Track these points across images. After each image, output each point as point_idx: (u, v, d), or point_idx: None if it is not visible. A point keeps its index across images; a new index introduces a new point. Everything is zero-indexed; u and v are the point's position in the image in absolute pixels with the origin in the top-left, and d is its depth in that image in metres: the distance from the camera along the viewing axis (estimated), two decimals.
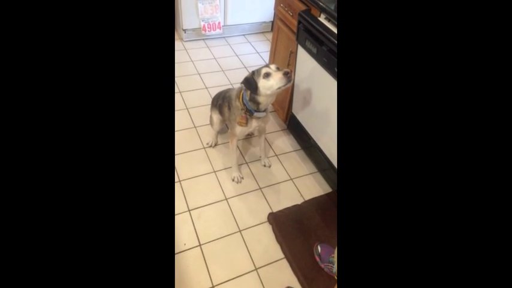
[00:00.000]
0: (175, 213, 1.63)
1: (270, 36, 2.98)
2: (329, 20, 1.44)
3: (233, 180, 1.81)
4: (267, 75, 1.40)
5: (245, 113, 1.55)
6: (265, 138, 1.96)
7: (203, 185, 1.78)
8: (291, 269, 1.46)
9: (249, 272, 1.44)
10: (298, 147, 2.03)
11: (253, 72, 1.45)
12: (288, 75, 1.36)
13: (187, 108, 2.24)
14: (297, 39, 1.63)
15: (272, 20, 3.06)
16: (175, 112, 2.19)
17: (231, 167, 1.85)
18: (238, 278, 1.42)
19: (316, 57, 1.51)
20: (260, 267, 1.46)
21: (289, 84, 1.41)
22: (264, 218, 1.65)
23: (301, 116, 1.86)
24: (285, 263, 1.48)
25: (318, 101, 1.64)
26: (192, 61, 2.69)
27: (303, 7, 1.58)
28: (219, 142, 2.03)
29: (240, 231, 1.59)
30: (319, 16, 1.49)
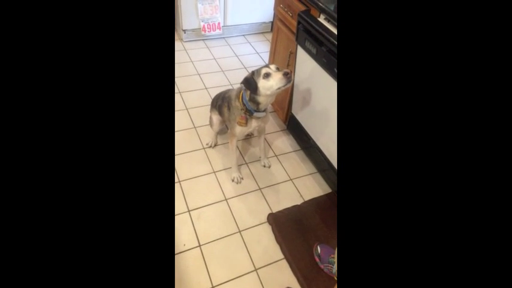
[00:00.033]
0: (175, 213, 1.63)
1: (269, 36, 2.98)
2: (328, 21, 1.44)
3: (233, 180, 1.81)
4: (267, 75, 1.40)
5: (245, 113, 1.55)
6: (265, 139, 1.96)
7: (203, 185, 1.78)
8: (291, 269, 1.46)
9: (248, 273, 1.44)
10: (298, 147, 2.03)
11: (253, 73, 1.45)
12: (288, 76, 1.36)
13: (187, 109, 2.24)
14: (297, 39, 1.63)
15: (272, 20, 3.06)
16: (175, 112, 2.19)
17: (230, 168, 1.85)
18: (238, 278, 1.41)
19: (316, 57, 1.51)
20: (260, 268, 1.46)
21: (289, 85, 1.41)
22: (264, 218, 1.65)
23: (301, 117, 1.86)
24: (284, 264, 1.48)
25: (318, 102, 1.64)
26: (191, 61, 2.69)
27: (302, 7, 1.58)
28: (219, 142, 2.03)
29: (239, 231, 1.59)
30: (319, 17, 1.49)
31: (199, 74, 2.56)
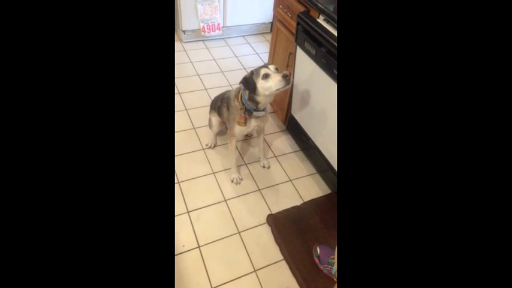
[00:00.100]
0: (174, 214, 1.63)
1: (269, 37, 2.98)
2: (328, 22, 1.44)
3: (232, 181, 1.81)
4: (266, 76, 1.40)
5: (244, 113, 1.55)
6: (264, 139, 1.96)
7: (202, 186, 1.78)
8: (290, 270, 1.46)
9: (248, 274, 1.43)
10: (297, 148, 2.03)
11: (252, 72, 1.45)
12: (287, 78, 1.36)
13: (186, 110, 2.24)
14: (296, 40, 1.63)
15: (271, 21, 3.07)
16: (175, 113, 2.19)
17: (230, 168, 1.85)
18: (237, 279, 1.41)
19: (315, 58, 1.51)
20: (259, 269, 1.45)
21: (288, 87, 1.41)
22: (263, 219, 1.65)
23: (300, 117, 1.86)
24: (284, 265, 1.48)
25: (317, 102, 1.64)
26: (191, 62, 2.69)
27: (301, 8, 1.58)
28: (218, 143, 2.03)
29: (239, 232, 1.59)
30: (318, 18, 1.49)
31: (198, 75, 2.56)
